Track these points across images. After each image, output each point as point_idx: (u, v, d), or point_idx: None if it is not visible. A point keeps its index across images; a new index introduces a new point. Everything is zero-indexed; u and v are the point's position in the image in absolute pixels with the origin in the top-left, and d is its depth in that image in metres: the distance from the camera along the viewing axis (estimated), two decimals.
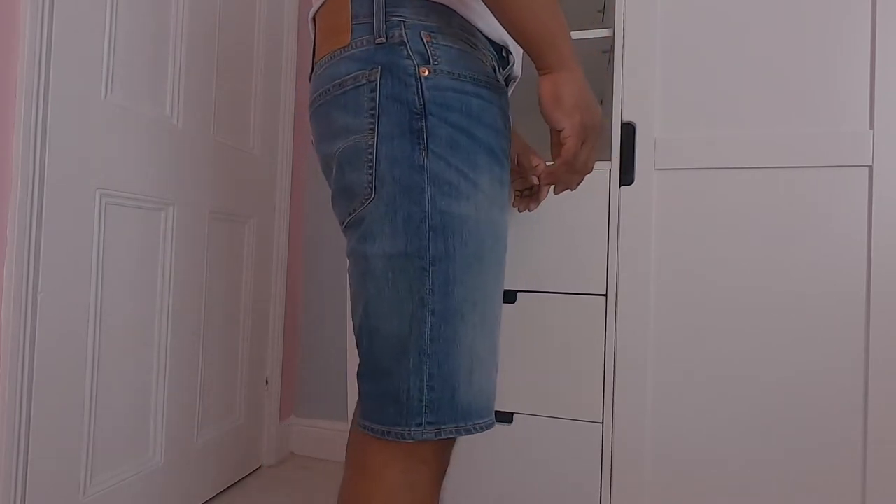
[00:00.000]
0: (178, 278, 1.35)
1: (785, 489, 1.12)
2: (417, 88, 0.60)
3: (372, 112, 0.61)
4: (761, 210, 1.14)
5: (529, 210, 1.00)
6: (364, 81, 0.62)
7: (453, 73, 0.62)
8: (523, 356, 1.25)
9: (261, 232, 1.70)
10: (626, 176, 1.21)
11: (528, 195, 1.02)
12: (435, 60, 0.61)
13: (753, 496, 1.14)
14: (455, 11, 0.65)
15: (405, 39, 0.62)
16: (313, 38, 0.72)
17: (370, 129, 0.61)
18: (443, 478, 0.66)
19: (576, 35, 1.31)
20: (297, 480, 1.65)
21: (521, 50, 0.76)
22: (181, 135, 1.35)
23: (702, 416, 1.16)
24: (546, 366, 1.23)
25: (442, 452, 0.64)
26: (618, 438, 1.20)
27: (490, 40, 0.70)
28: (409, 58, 0.61)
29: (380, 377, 0.62)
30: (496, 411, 1.27)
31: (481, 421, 0.63)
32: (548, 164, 1.01)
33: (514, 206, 1.03)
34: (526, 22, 0.62)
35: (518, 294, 1.25)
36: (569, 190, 0.89)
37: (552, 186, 1.00)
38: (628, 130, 1.21)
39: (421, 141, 0.60)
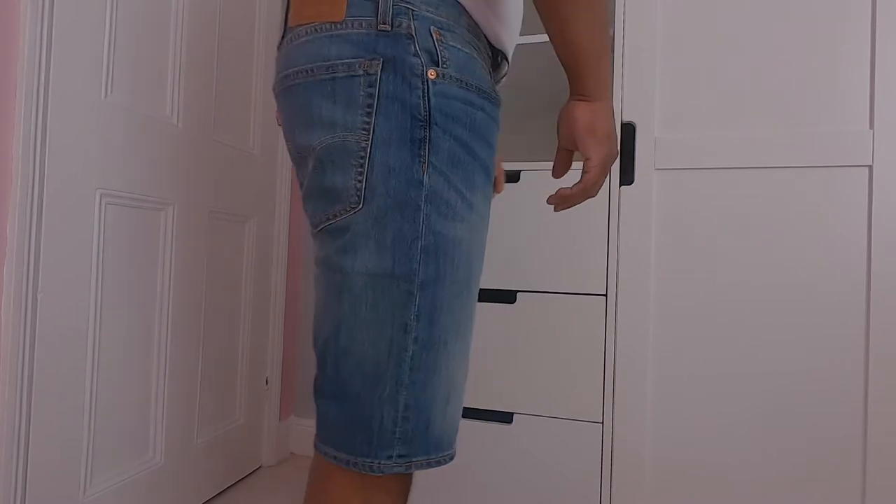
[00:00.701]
0: (178, 278, 1.35)
1: (785, 488, 1.12)
2: (423, 92, 0.55)
3: (368, 110, 0.55)
4: (761, 210, 1.14)
5: None
6: (361, 72, 0.55)
7: (461, 81, 0.58)
8: (523, 356, 1.25)
9: (261, 232, 1.70)
10: (626, 176, 1.21)
11: None
12: (444, 63, 0.56)
13: (753, 495, 1.14)
14: (465, 9, 0.60)
15: (413, 32, 0.56)
16: None
17: (364, 129, 0.55)
18: None
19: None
20: (297, 480, 1.65)
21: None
22: (181, 135, 1.35)
23: (702, 416, 1.16)
24: (546, 366, 1.23)
25: (406, 484, 0.60)
26: (618, 438, 1.20)
27: (490, 45, 0.65)
28: (416, 55, 0.56)
29: (346, 401, 0.56)
30: (496, 411, 1.27)
31: (447, 452, 0.59)
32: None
33: None
34: (581, 38, 0.60)
35: (518, 294, 1.25)
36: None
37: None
38: (628, 130, 1.21)
39: (422, 153, 0.55)
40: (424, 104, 0.55)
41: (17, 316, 0.98)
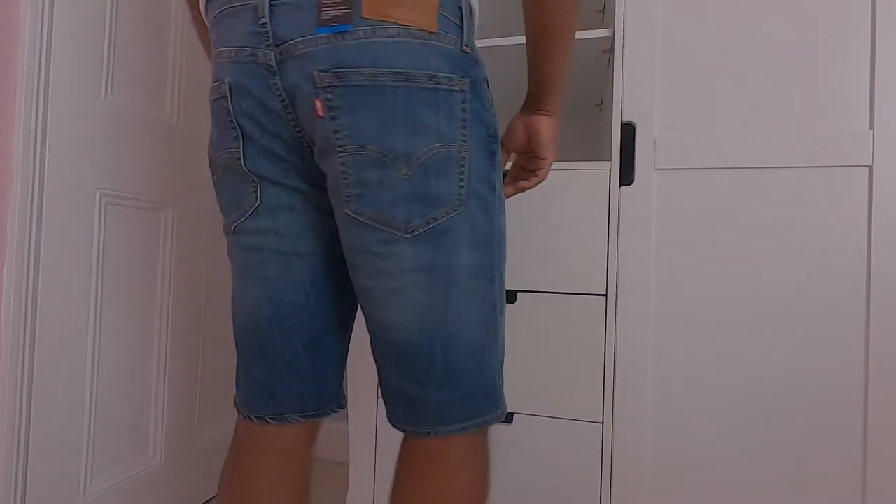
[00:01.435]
0: (178, 278, 1.35)
1: (785, 489, 1.12)
2: (490, 113, 0.67)
3: (464, 123, 0.62)
4: (761, 210, 1.14)
5: None
6: (458, 88, 0.61)
7: (491, 103, 0.69)
8: (523, 356, 1.25)
9: None
10: (626, 176, 1.21)
11: None
12: (489, 87, 0.68)
13: (753, 496, 1.14)
14: None
15: (478, 59, 0.66)
16: None
17: (463, 141, 0.62)
18: None
19: (576, 35, 1.31)
20: None
21: None
22: (181, 135, 1.35)
23: (702, 416, 1.17)
24: (546, 366, 1.23)
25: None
26: (618, 438, 1.20)
27: None
28: (485, 80, 0.66)
29: (462, 380, 0.66)
30: None
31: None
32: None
33: None
34: (563, 67, 0.74)
35: (518, 294, 1.25)
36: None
37: None
38: (628, 130, 1.21)
39: (494, 163, 0.66)
40: (492, 122, 0.67)
41: (17, 316, 0.98)
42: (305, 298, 0.69)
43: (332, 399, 0.74)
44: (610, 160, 1.27)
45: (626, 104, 1.22)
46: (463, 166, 0.62)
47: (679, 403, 1.18)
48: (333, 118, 0.59)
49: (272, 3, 0.60)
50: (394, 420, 0.70)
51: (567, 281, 1.23)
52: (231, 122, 0.64)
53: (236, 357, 0.74)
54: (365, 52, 0.58)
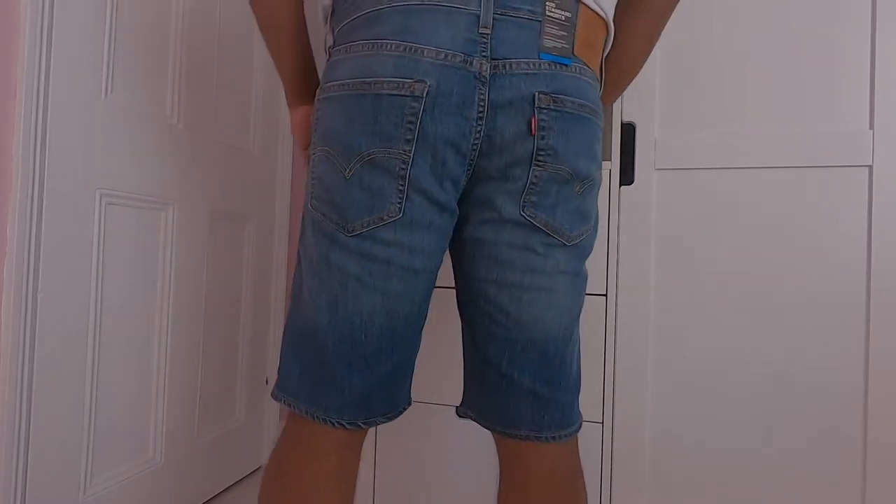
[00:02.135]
0: (178, 278, 1.35)
1: (785, 489, 1.12)
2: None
3: (601, 155, 0.72)
4: (761, 210, 1.14)
5: None
6: (602, 126, 0.72)
7: None
8: None
9: (261, 232, 1.70)
10: (626, 176, 1.21)
11: None
12: None
13: (753, 496, 1.14)
14: None
15: None
16: (572, 16, 0.66)
17: (601, 170, 0.73)
18: None
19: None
20: None
21: None
22: (181, 135, 1.35)
23: (702, 416, 1.17)
24: None
25: None
26: (618, 438, 1.20)
27: None
28: None
29: (574, 386, 0.73)
30: None
31: None
32: None
33: None
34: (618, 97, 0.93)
35: None
36: None
37: None
38: (628, 130, 1.21)
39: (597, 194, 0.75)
40: None
41: (17, 316, 0.98)
42: (417, 312, 0.69)
43: (406, 399, 0.75)
44: (610, 160, 1.27)
45: (626, 104, 1.22)
46: (597, 191, 0.73)
47: (679, 403, 1.18)
48: (543, 137, 0.65)
49: (496, 15, 0.62)
50: (510, 427, 0.71)
51: None
52: (412, 123, 0.62)
53: (314, 360, 0.69)
54: (575, 85, 0.66)
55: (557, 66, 0.65)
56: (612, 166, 1.21)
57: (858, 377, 1.09)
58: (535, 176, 0.65)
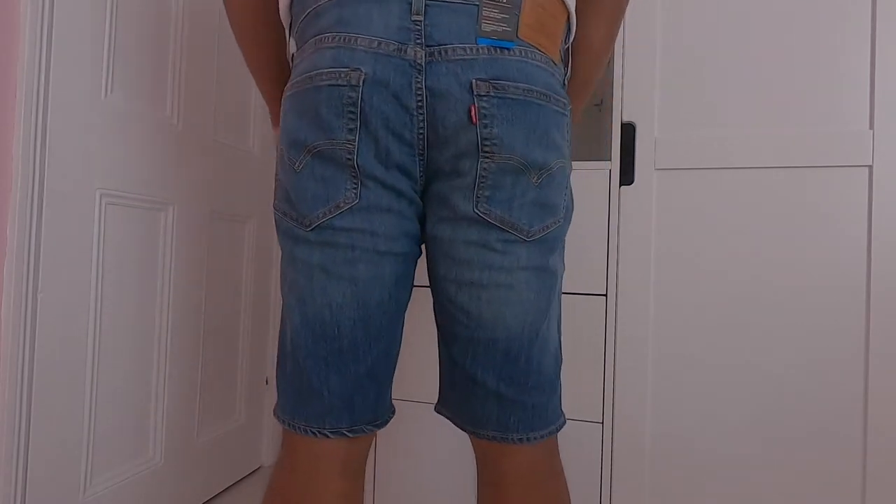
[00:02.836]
0: (178, 278, 1.35)
1: (785, 489, 1.12)
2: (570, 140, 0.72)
3: (568, 143, 0.69)
4: (761, 210, 1.14)
5: None
6: (567, 113, 0.68)
7: None
8: None
9: (261, 232, 1.70)
10: (626, 176, 1.21)
11: None
12: None
13: (753, 496, 1.14)
14: None
15: None
16: None
17: (566, 159, 0.69)
18: None
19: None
20: None
21: None
22: (181, 135, 1.35)
23: (702, 416, 1.17)
24: None
25: None
26: (618, 438, 1.20)
27: None
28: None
29: (548, 386, 0.69)
30: None
31: None
32: None
33: None
34: (594, 86, 0.87)
35: None
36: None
37: None
38: (628, 130, 1.21)
39: (568, 183, 0.71)
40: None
41: (17, 316, 0.98)
42: (388, 298, 0.67)
43: (390, 407, 0.73)
44: (610, 160, 1.27)
45: (626, 104, 1.22)
46: (567, 182, 0.69)
47: (679, 403, 1.18)
48: (486, 126, 0.62)
49: (429, 1, 0.61)
50: (478, 427, 0.69)
51: (567, 281, 1.23)
52: (352, 112, 0.61)
53: (292, 368, 0.67)
54: (519, 69, 0.63)
55: (498, 50, 0.62)
56: (612, 166, 1.21)
57: (858, 377, 1.09)
58: (484, 168, 0.63)
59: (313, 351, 0.65)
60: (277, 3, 0.75)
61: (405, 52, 0.61)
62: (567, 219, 0.70)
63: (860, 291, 1.09)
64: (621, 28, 1.21)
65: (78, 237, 1.09)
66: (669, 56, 1.20)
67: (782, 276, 1.13)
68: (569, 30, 0.72)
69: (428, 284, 1.24)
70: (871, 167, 1.09)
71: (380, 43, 0.61)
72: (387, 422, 0.71)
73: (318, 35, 0.64)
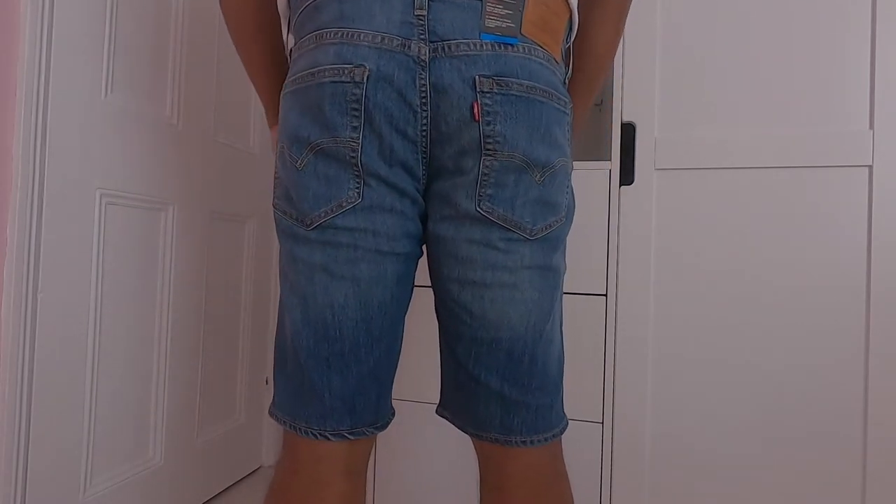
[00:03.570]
0: (178, 278, 1.35)
1: (785, 489, 1.12)
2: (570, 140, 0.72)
3: (569, 142, 0.69)
4: (761, 210, 1.14)
5: None
6: (569, 112, 0.68)
7: None
8: None
9: (261, 232, 1.70)
10: (626, 176, 1.21)
11: None
12: None
13: (753, 496, 1.14)
14: None
15: None
16: None
17: (568, 157, 0.68)
18: None
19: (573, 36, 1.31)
20: None
21: None
22: (181, 135, 1.35)
23: (702, 416, 1.17)
24: None
25: None
26: (618, 438, 1.20)
27: None
28: None
29: (551, 388, 0.68)
30: None
31: None
32: None
33: None
34: (598, 91, 0.87)
35: None
36: None
37: None
38: (628, 130, 1.21)
39: (570, 182, 0.70)
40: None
41: (17, 316, 0.98)
42: (390, 299, 0.66)
43: (391, 409, 0.72)
44: (610, 160, 1.27)
45: (626, 104, 1.22)
46: (569, 181, 0.69)
47: (679, 403, 1.18)
48: (488, 123, 0.61)
49: None
50: (481, 429, 0.68)
51: (567, 281, 1.23)
52: (356, 109, 0.60)
53: (293, 369, 0.67)
54: (522, 66, 0.62)
55: (501, 46, 0.61)
56: (612, 166, 1.21)
57: (858, 377, 1.09)
58: (486, 166, 0.62)
59: (315, 352, 0.65)
60: None
61: (409, 47, 0.60)
62: (569, 217, 0.69)
63: (860, 291, 1.09)
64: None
65: (78, 237, 1.09)
66: (669, 56, 1.20)
67: (782, 276, 1.13)
68: (570, 28, 0.71)
69: (427, 284, 1.24)
70: (871, 167, 1.09)
71: (383, 38, 0.60)
72: (387, 424, 0.71)
73: (319, 30, 0.63)
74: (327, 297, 0.64)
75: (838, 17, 1.11)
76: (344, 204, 0.62)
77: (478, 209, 0.63)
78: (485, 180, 0.63)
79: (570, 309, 1.22)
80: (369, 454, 0.71)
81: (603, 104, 1.56)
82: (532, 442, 0.67)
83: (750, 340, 1.14)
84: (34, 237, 1.01)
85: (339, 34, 0.61)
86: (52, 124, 1.03)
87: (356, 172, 0.62)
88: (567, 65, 0.74)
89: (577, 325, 1.22)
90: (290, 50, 0.72)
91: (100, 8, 1.12)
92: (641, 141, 1.20)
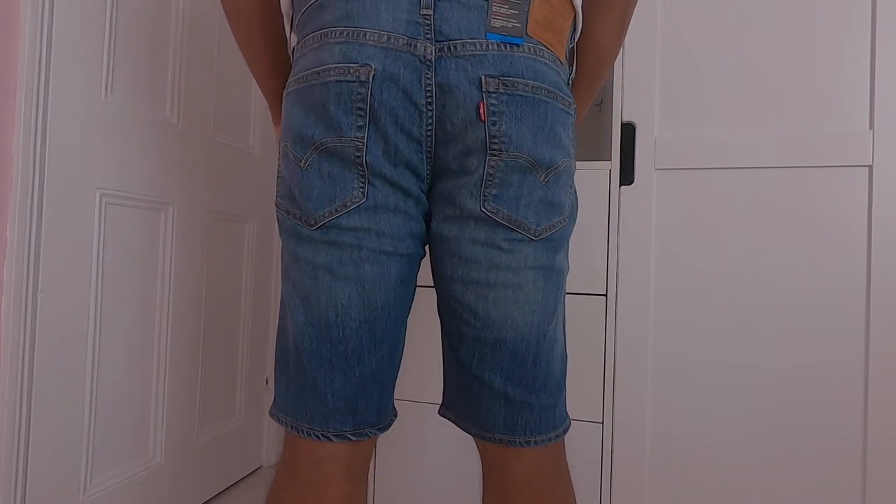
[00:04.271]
0: (178, 278, 1.35)
1: (785, 489, 1.12)
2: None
3: (573, 143, 0.69)
4: (761, 210, 1.14)
5: None
6: (573, 113, 0.68)
7: None
8: None
9: (261, 232, 1.70)
10: (626, 176, 1.21)
11: None
12: None
13: (753, 495, 1.14)
14: None
15: None
16: None
17: (572, 158, 0.69)
18: None
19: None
20: None
21: None
22: (181, 135, 1.35)
23: (702, 416, 1.17)
24: None
25: None
26: (618, 438, 1.20)
27: None
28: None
29: (554, 388, 0.68)
30: None
31: None
32: None
33: None
34: (601, 85, 0.86)
35: None
36: None
37: None
38: (628, 130, 1.21)
39: (573, 182, 0.71)
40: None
41: (17, 316, 0.98)
42: (393, 300, 0.66)
43: (393, 410, 0.72)
44: (610, 160, 1.27)
45: (626, 104, 1.22)
46: (572, 182, 0.69)
47: (679, 403, 1.18)
48: (494, 123, 0.61)
49: None
50: (484, 430, 0.68)
51: (567, 281, 1.23)
52: (361, 109, 0.60)
53: (295, 369, 0.66)
54: (528, 66, 0.62)
55: (507, 46, 0.61)
56: (612, 166, 1.21)
57: (858, 377, 1.09)
58: (492, 166, 0.62)
59: (318, 353, 0.64)
60: None
61: (415, 47, 0.60)
62: (572, 218, 0.70)
63: (860, 291, 1.09)
64: None
65: (78, 237, 1.09)
66: (669, 56, 1.20)
67: (782, 276, 1.13)
68: (575, 29, 0.71)
69: (430, 284, 1.24)
70: (871, 167, 1.09)
71: (389, 37, 0.60)
72: (389, 425, 0.70)
73: (324, 29, 0.63)
74: (331, 298, 0.63)
75: (838, 17, 1.11)
76: (348, 204, 0.62)
77: (482, 209, 0.63)
78: (489, 180, 0.63)
79: (571, 309, 1.22)
80: (371, 456, 0.71)
81: (603, 104, 1.55)
82: (535, 442, 0.67)
83: (750, 340, 1.14)
84: (34, 237, 1.00)
85: (345, 33, 0.61)
86: (52, 124, 1.03)
87: (361, 172, 0.62)
88: (571, 65, 0.74)
89: (577, 325, 1.22)
90: (293, 49, 0.72)
91: (100, 8, 1.12)
92: (641, 141, 1.20)
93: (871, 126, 1.09)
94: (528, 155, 0.62)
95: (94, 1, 1.11)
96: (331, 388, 0.64)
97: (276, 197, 0.68)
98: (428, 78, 0.60)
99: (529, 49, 0.62)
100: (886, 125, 1.08)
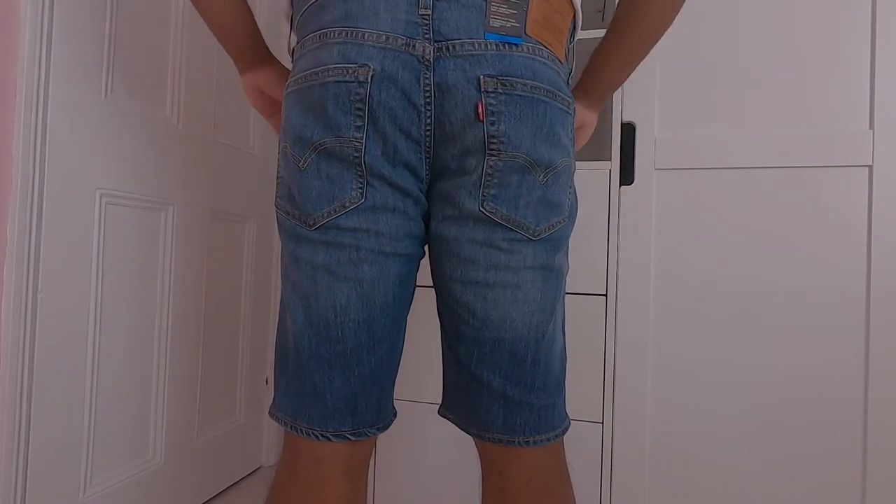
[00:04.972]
0: (178, 278, 1.35)
1: (785, 489, 1.12)
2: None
3: (573, 142, 0.69)
4: (761, 209, 1.14)
5: None
6: (572, 112, 0.68)
7: None
8: None
9: (261, 232, 1.70)
10: (626, 176, 1.21)
11: None
12: None
13: (753, 495, 1.14)
14: None
15: None
16: None
17: (571, 157, 0.68)
18: None
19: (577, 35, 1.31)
20: None
21: None
22: (181, 135, 1.35)
23: (702, 416, 1.17)
24: None
25: None
26: (618, 438, 1.20)
27: None
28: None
29: (554, 388, 0.68)
30: None
31: None
32: None
33: None
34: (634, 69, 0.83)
35: None
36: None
37: None
38: (628, 130, 1.21)
39: (573, 182, 0.71)
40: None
41: (17, 316, 0.98)
42: (392, 300, 0.66)
43: (392, 409, 0.72)
44: (610, 160, 1.27)
45: (626, 104, 1.22)
46: (572, 182, 0.69)
47: (679, 403, 1.18)
48: (493, 123, 0.61)
49: None
50: (483, 430, 0.68)
51: (567, 281, 1.23)
52: (360, 109, 0.60)
53: (294, 369, 0.66)
54: (526, 66, 0.62)
55: (506, 46, 0.61)
56: (612, 166, 1.21)
57: (858, 377, 1.09)
58: (490, 166, 0.62)
59: (317, 353, 0.64)
60: None
61: (414, 47, 0.60)
62: (572, 217, 0.69)
63: (860, 291, 1.09)
64: None
65: (78, 237, 1.09)
66: (669, 56, 1.20)
67: (782, 276, 1.13)
68: (574, 28, 0.71)
69: (429, 284, 1.24)
70: (871, 167, 1.09)
71: (388, 38, 0.60)
72: (389, 424, 0.70)
73: (323, 29, 0.63)
74: (329, 298, 0.63)
75: (838, 17, 1.11)
76: (347, 204, 0.62)
77: (481, 209, 0.63)
78: (488, 180, 0.63)
79: (571, 309, 1.22)
80: (370, 455, 0.71)
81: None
82: (535, 442, 0.67)
83: (750, 340, 1.14)
84: (34, 237, 1.00)
85: (344, 34, 0.61)
86: (52, 124, 1.03)
87: (359, 172, 0.62)
88: (571, 65, 0.74)
89: (577, 325, 1.22)
90: (293, 49, 0.72)
91: (100, 8, 1.12)
92: (641, 141, 1.20)
93: (871, 126, 1.09)
94: (526, 155, 0.62)
95: (94, 1, 1.11)
96: (330, 388, 0.65)
97: (276, 197, 0.68)
98: (426, 78, 0.60)
99: (528, 49, 0.62)
100: (886, 125, 1.08)
